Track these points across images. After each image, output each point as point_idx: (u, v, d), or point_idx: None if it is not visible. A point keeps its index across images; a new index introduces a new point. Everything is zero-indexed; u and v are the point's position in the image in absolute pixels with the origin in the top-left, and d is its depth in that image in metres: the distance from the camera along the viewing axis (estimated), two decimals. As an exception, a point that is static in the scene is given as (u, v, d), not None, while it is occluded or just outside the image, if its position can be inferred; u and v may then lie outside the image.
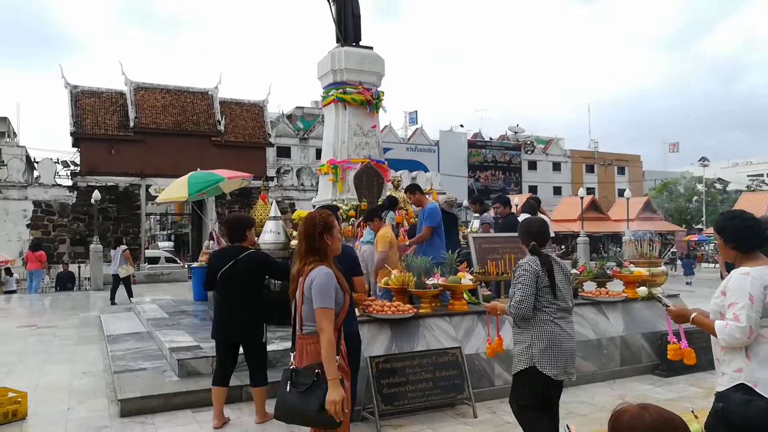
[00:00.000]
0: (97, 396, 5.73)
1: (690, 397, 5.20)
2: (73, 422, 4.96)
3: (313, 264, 3.03)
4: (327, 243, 3.07)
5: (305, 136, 39.69)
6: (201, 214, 21.87)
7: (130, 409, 5.13)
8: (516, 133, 50.79)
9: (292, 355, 3.01)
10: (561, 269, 3.67)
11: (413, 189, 7.59)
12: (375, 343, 5.06)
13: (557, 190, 48.66)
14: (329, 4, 10.01)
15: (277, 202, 9.67)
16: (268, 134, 28.96)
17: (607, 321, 6.31)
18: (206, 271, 4.99)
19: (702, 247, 38.14)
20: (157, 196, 16.74)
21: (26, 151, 34.76)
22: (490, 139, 49.37)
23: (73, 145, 26.51)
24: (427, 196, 11.11)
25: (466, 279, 5.65)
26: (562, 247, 29.20)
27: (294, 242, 8.24)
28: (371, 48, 9.88)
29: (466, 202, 20.73)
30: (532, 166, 49.22)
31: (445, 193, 10.89)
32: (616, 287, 6.96)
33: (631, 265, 7.08)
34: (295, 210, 18.64)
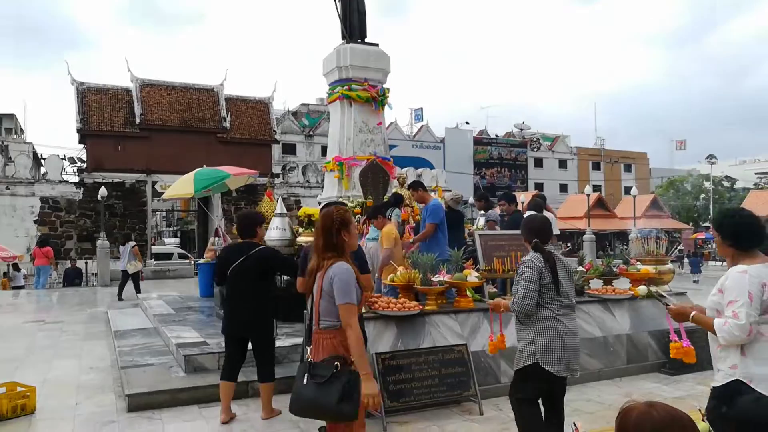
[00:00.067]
0: (105, 391, 5.77)
1: (697, 396, 5.18)
2: (81, 417, 4.99)
3: (332, 259, 3.03)
4: (344, 239, 3.08)
5: (311, 133, 39.73)
6: (207, 211, 21.92)
7: (138, 404, 5.16)
8: (522, 130, 50.68)
9: (308, 348, 3.02)
10: (564, 266, 3.69)
11: (416, 186, 7.60)
12: (381, 340, 5.07)
13: (563, 188, 48.55)
14: (334, 1, 10.00)
15: (283, 199, 9.68)
16: (274, 131, 28.99)
17: (613, 319, 6.30)
18: (217, 266, 5.01)
19: (709, 245, 37.96)
20: (162, 193, 16.80)
21: (33, 148, 34.94)
22: (496, 136, 49.28)
23: (80, 142, 26.61)
24: (432, 193, 11.14)
25: (472, 276, 5.65)
26: (568, 244, 29.13)
27: (300, 239, 8.27)
28: (377, 45, 9.87)
29: (472, 200, 20.70)
30: (538, 163, 49.12)
31: (450, 191, 10.89)
32: (622, 285, 6.94)
33: (638, 262, 7.06)
34: (301, 207, 18.65)
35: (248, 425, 4.70)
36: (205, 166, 11.52)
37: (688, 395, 5.31)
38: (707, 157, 42.31)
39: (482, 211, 9.81)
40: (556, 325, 3.51)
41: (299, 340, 6.03)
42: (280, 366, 5.20)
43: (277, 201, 9.51)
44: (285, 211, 8.75)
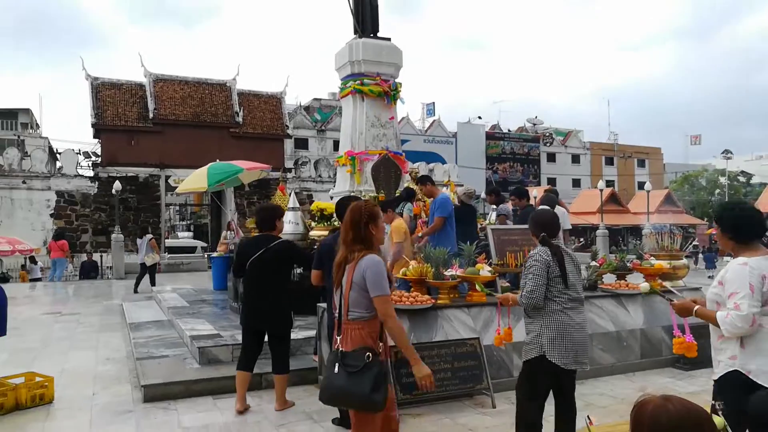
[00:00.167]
0: (121, 382, 5.85)
1: (712, 391, 5.15)
2: (98, 406, 5.07)
3: (363, 252, 3.07)
4: (372, 232, 3.11)
5: (323, 127, 39.76)
6: (220, 205, 22.05)
7: (153, 394, 5.23)
8: (535, 125, 50.37)
9: (338, 338, 3.06)
10: (571, 260, 3.72)
11: (424, 180, 7.60)
12: (393, 333, 5.08)
13: (576, 183, 48.22)
14: (347, -5, 9.98)
15: (295, 194, 9.73)
16: (286, 126, 29.05)
17: (626, 313, 6.27)
18: (235, 258, 5.06)
19: (724, 241, 37.50)
20: (176, 187, 16.94)
21: (49, 143, 35.31)
22: (509, 130, 49.02)
23: (94, 136, 26.85)
24: (444, 188, 11.13)
25: (485, 270, 5.65)
26: (581, 239, 28.99)
27: (312, 233, 8.32)
28: (389, 39, 9.85)
29: (484, 195, 20.65)
30: (551, 158, 48.79)
31: (463, 185, 10.86)
32: (636, 280, 6.90)
33: (652, 257, 7.01)
34: (313, 201, 18.70)
35: (262, 416, 4.75)
36: (218, 160, 11.59)
37: (703, 390, 5.28)
38: (723, 152, 41.84)
39: (493, 206, 9.79)
40: (563, 318, 3.54)
41: (312, 333, 6.08)
42: (293, 358, 5.25)
43: (290, 195, 9.56)
44: (298, 205, 8.80)
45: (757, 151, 61.71)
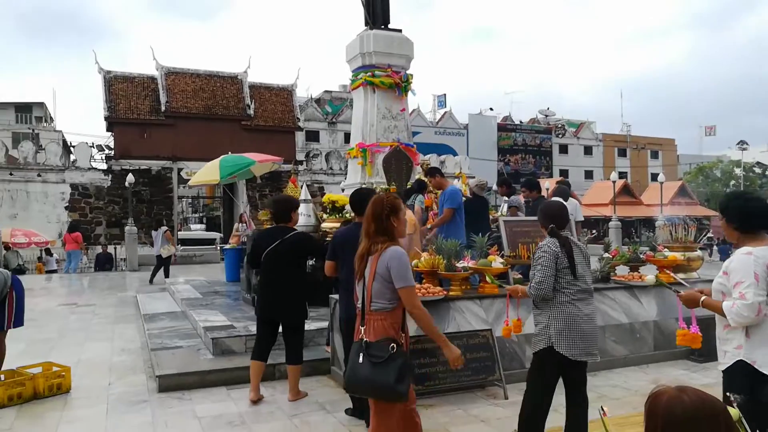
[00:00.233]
0: (136, 372, 5.92)
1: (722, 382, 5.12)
2: (114, 396, 5.14)
3: (386, 244, 3.10)
4: (393, 225, 3.14)
5: (334, 120, 39.75)
6: (233, 197, 22.16)
7: (168, 385, 5.29)
8: (546, 116, 50.02)
9: (362, 329, 3.10)
10: (580, 251, 3.73)
11: (433, 172, 7.59)
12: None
13: (589, 174, 47.89)
14: (358, -14, 9.94)
15: (307, 186, 9.76)
16: (297, 118, 29.08)
17: (640, 305, 6.24)
18: (251, 250, 5.10)
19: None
20: (188, 179, 17.02)
21: (63, 136, 35.64)
22: (520, 122, 48.74)
23: (107, 130, 27.04)
24: (456, 180, 11.10)
25: (497, 262, 5.64)
26: (593, 231, 28.84)
27: (324, 224, 8.33)
28: (400, 31, 9.81)
29: (495, 187, 20.59)
30: (563, 149, 48.47)
31: (474, 177, 10.83)
32: (649, 272, 6.85)
33: (665, 249, 6.96)
34: (324, 194, 18.76)
35: (275, 407, 4.79)
36: (230, 152, 11.64)
37: (717, 382, 5.20)
38: (738, 143, 41.31)
39: (505, 197, 9.76)
40: (571, 310, 3.55)
41: (324, 324, 6.12)
42: (306, 349, 5.27)
43: (302, 187, 9.59)
44: (309, 197, 8.82)
45: (774, 142, 60.85)
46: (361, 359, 3.00)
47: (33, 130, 36.56)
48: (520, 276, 6.46)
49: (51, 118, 44.42)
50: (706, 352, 5.79)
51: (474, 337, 5.11)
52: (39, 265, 20.14)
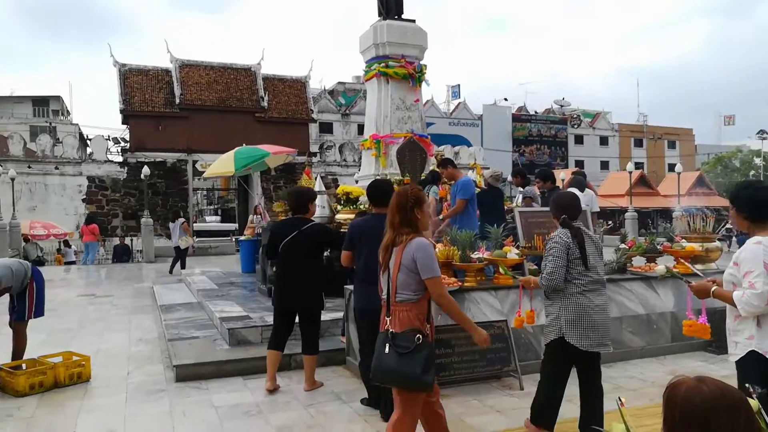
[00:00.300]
0: (153, 362, 6.00)
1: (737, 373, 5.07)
2: (132, 385, 5.22)
3: (411, 235, 3.13)
4: (417, 216, 3.17)
5: (347, 111, 39.72)
6: (247, 189, 22.27)
7: (185, 374, 5.35)
8: (562, 106, 49.57)
9: (387, 320, 3.13)
10: (592, 242, 3.73)
11: (445, 163, 7.57)
12: (420, 315, 5.10)
13: (604, 165, 47.45)
14: (372, -24, 9.90)
15: (320, 178, 9.78)
16: (311, 110, 29.09)
17: (657, 296, 6.18)
18: (268, 240, 5.13)
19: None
20: (203, 172, 17.14)
21: (79, 129, 36.00)
22: (535, 112, 48.34)
23: (123, 122, 27.26)
24: (470, 171, 11.05)
25: (512, 253, 5.62)
26: (609, 222, 28.58)
27: (338, 216, 8.35)
28: (413, 21, 9.74)
29: (510, 177, 20.49)
30: (579, 140, 48.03)
31: (489, 168, 10.77)
32: (666, 263, 6.78)
33: (683, 240, 6.89)
34: (338, 185, 18.78)
35: (291, 396, 4.83)
36: (244, 144, 11.68)
37: (735, 374, 5.19)
38: (758, 133, 40.66)
39: (520, 188, 9.70)
40: (582, 301, 3.57)
41: (339, 315, 6.14)
42: (321, 340, 5.30)
43: (316, 179, 9.61)
44: (324, 188, 8.84)
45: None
46: (387, 350, 3.03)
47: (50, 124, 36.96)
48: (535, 267, 6.44)
49: (67, 111, 44.87)
50: (725, 344, 5.74)
51: (489, 328, 5.08)
52: (58, 256, 20.46)
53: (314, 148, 30.26)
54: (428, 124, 13.48)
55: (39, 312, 5.52)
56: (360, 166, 10.90)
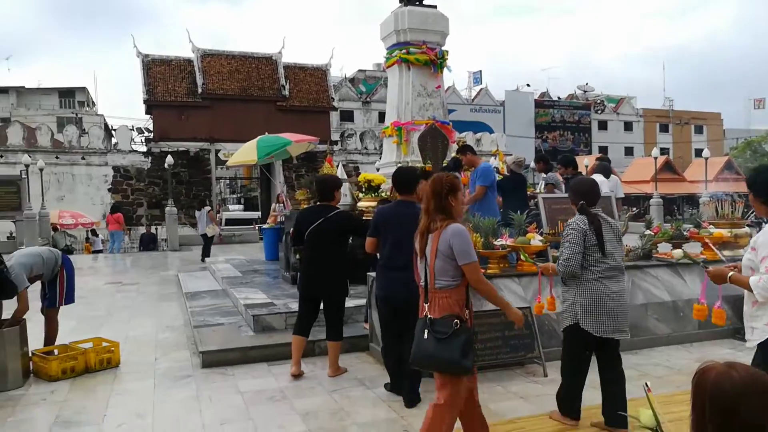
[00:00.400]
0: (180, 348, 6.11)
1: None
2: (160, 370, 5.32)
3: (447, 221, 3.16)
4: (452, 203, 3.19)
5: (368, 99, 39.67)
6: (270, 177, 22.40)
7: (211, 360, 5.44)
8: (585, 92, 48.86)
9: (426, 306, 3.16)
10: (611, 228, 3.73)
11: (465, 150, 7.53)
12: (443, 302, 5.11)
13: (629, 151, 46.75)
14: (392, -38, 9.81)
15: (342, 166, 9.80)
16: (332, 98, 29.08)
17: (683, 283, 6.09)
18: (294, 228, 5.18)
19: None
20: (226, 161, 17.30)
21: (104, 119, 36.52)
22: (558, 98, 47.71)
23: (146, 112, 27.58)
24: (492, 158, 10.96)
25: (536, 240, 5.58)
26: (634, 208, 28.17)
27: (360, 203, 8.37)
28: (435, 7, 9.66)
29: (533, 164, 20.30)
30: (603, 125, 47.36)
31: (511, 155, 10.69)
32: (694, 249, 6.68)
33: (711, 226, 6.76)
34: (359, 173, 18.80)
35: (316, 382, 4.89)
36: (266, 133, 11.75)
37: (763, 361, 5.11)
38: (789, 116, 39.53)
39: (543, 174, 9.61)
40: (598, 287, 3.58)
41: (362, 302, 6.19)
42: (345, 326, 5.33)
43: (338, 167, 9.63)
44: (345, 176, 8.86)
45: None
46: (426, 335, 3.09)
47: (76, 115, 37.63)
48: (558, 254, 6.39)
49: (93, 102, 45.58)
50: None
51: (512, 315, 5.08)
52: (87, 245, 20.88)
53: (335, 137, 30.29)
54: (450, 111, 13.40)
55: (69, 299, 5.66)
56: (381, 153, 10.88)
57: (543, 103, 45.58)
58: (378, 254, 4.55)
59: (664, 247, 6.83)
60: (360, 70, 44.85)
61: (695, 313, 3.54)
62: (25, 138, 23.56)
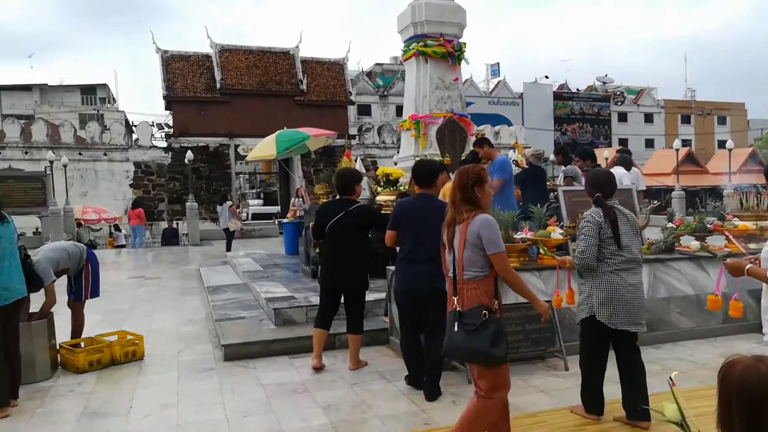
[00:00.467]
0: (202, 341, 6.19)
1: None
2: (183, 363, 5.41)
3: (474, 212, 3.16)
4: (478, 195, 3.19)
5: (385, 93, 39.61)
6: (289, 172, 22.50)
7: (233, 353, 5.51)
8: (605, 83, 48.21)
9: (454, 299, 3.18)
10: (627, 220, 3.71)
11: (482, 143, 7.49)
12: (463, 296, 5.11)
13: (649, 143, 46.09)
14: (409, -46, 9.76)
15: (360, 160, 9.81)
16: (349, 92, 29.09)
17: (707, 276, 6.01)
18: (315, 221, 5.21)
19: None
20: (245, 156, 17.43)
21: (125, 116, 36.97)
22: (577, 90, 47.16)
23: (166, 108, 27.84)
24: (511, 150, 10.89)
25: (557, 233, 5.54)
26: (655, 201, 27.81)
27: (379, 197, 8.39)
28: (452, -1, 9.61)
29: (552, 157, 20.13)
30: (623, 117, 46.72)
31: (530, 147, 10.60)
32: (717, 242, 6.58)
33: (735, 218, 6.65)
34: (377, 167, 18.82)
35: (336, 375, 4.92)
36: (284, 128, 11.80)
37: (790, 357, 5.03)
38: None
39: (562, 167, 9.52)
40: (614, 279, 3.57)
41: (382, 295, 6.20)
42: (366, 319, 5.35)
43: (356, 161, 9.65)
44: (363, 170, 8.88)
45: None
46: (456, 328, 3.10)
47: (98, 111, 38.12)
48: (578, 247, 6.33)
49: (114, 98, 46.11)
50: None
51: (533, 308, 5.05)
52: (110, 240, 21.22)
53: (353, 131, 30.32)
54: (468, 104, 13.32)
55: (95, 293, 5.77)
56: (399, 147, 10.88)
57: (562, 95, 45.11)
58: (397, 248, 4.56)
59: (687, 240, 6.74)
60: (377, 64, 44.78)
61: (709, 304, 3.54)
62: (49, 135, 23.94)
